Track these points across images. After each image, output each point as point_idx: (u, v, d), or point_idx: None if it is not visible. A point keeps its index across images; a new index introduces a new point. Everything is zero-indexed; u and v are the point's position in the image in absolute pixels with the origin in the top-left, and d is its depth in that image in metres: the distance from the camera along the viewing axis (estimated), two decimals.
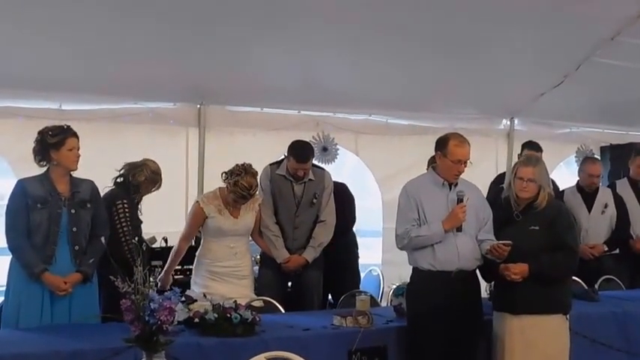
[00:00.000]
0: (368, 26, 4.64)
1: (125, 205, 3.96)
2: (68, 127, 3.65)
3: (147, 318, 2.55)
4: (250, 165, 4.09)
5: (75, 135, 3.60)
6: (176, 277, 4.88)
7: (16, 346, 3.05)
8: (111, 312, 3.08)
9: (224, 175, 4.10)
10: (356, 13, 4.46)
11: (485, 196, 4.22)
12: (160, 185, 4.23)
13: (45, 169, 3.60)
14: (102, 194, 3.86)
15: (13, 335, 3.28)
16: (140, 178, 4.09)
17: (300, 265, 4.33)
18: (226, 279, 4.08)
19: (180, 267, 4.91)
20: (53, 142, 3.53)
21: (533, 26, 4.83)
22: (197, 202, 4.22)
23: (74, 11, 4.10)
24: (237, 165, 4.08)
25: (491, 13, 4.59)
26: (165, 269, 4.20)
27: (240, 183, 4.01)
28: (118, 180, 4.12)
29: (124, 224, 3.92)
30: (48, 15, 4.10)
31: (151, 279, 2.67)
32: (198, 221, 4.19)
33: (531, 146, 5.24)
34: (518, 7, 4.56)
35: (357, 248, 5.08)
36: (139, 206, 4.18)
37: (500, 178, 5.30)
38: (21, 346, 3.04)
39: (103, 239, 3.44)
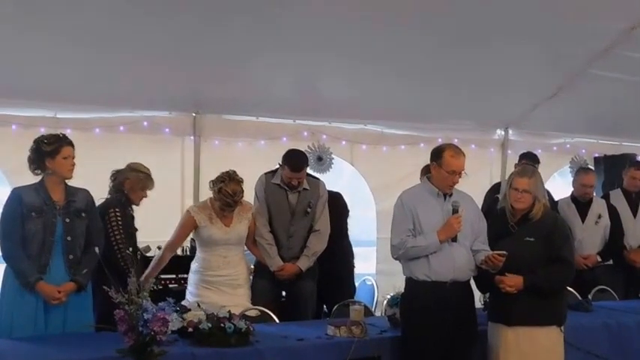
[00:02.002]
0: (363, 38, 4.66)
1: (117, 213, 3.94)
2: (64, 135, 3.65)
3: (140, 328, 2.54)
4: (235, 172, 4.08)
5: (70, 144, 3.59)
6: (170, 286, 4.88)
7: (10, 356, 3.03)
8: (105, 322, 3.07)
9: (210, 183, 4.11)
10: (352, 24, 4.49)
11: (480, 206, 4.24)
12: (149, 184, 4.12)
13: (40, 177, 3.59)
14: (97, 203, 3.85)
15: (6, 345, 3.26)
16: (121, 179, 4.06)
17: (293, 273, 4.32)
18: (220, 288, 4.06)
19: (174, 276, 4.90)
20: (48, 151, 3.52)
21: (527, 38, 4.86)
22: (188, 211, 4.22)
23: (70, 20, 4.11)
24: (221, 173, 4.08)
25: (486, 25, 4.62)
26: (145, 275, 4.12)
27: (224, 190, 4.00)
28: (110, 190, 4.10)
29: (116, 232, 3.90)
30: (43, 24, 4.11)
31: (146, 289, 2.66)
32: (186, 230, 4.20)
33: (529, 158, 5.25)
34: (512, 19, 4.59)
35: (353, 258, 5.07)
36: (132, 209, 4.12)
37: (496, 187, 5.32)
38: (14, 356, 3.03)
39: (97, 249, 3.42)
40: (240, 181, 4.07)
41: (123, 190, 4.05)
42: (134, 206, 4.16)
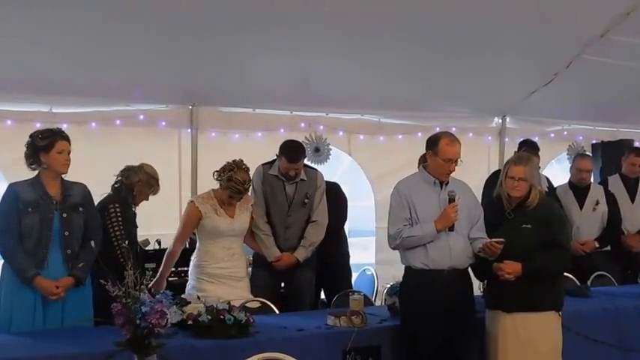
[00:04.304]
0: (360, 27, 4.64)
1: (117, 209, 3.93)
2: (59, 129, 3.64)
3: (138, 321, 2.54)
4: (242, 160, 4.09)
5: (65, 138, 3.58)
6: (170, 279, 4.86)
7: (8, 350, 3.03)
8: (104, 315, 3.07)
9: (216, 173, 4.09)
10: (348, 14, 4.47)
11: (479, 193, 4.24)
12: (156, 190, 4.18)
13: (36, 173, 3.58)
14: (95, 197, 3.84)
15: (5, 340, 3.26)
16: (134, 179, 4.06)
17: (290, 263, 4.32)
18: (223, 281, 4.04)
19: (174, 269, 4.89)
20: (42, 145, 3.51)
21: (523, 24, 4.84)
22: (192, 201, 4.18)
23: (65, 13, 4.09)
24: (228, 162, 4.08)
25: (482, 12, 4.60)
26: (160, 273, 4.14)
27: (234, 178, 4.01)
28: (115, 185, 4.09)
29: (115, 227, 3.89)
30: (38, 18, 4.09)
31: (144, 282, 2.66)
32: (193, 221, 4.14)
33: (529, 145, 5.24)
34: (508, 6, 4.57)
35: (348, 246, 5.10)
36: (134, 208, 4.13)
37: (496, 175, 5.30)
38: (13, 351, 3.02)
39: (93, 243, 3.42)
40: (247, 170, 4.09)
41: (132, 190, 4.05)
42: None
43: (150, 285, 3.33)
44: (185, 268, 4.45)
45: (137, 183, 4.06)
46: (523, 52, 5.27)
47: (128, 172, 4.10)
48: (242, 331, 3.28)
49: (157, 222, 4.66)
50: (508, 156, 5.38)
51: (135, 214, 4.13)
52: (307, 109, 5.83)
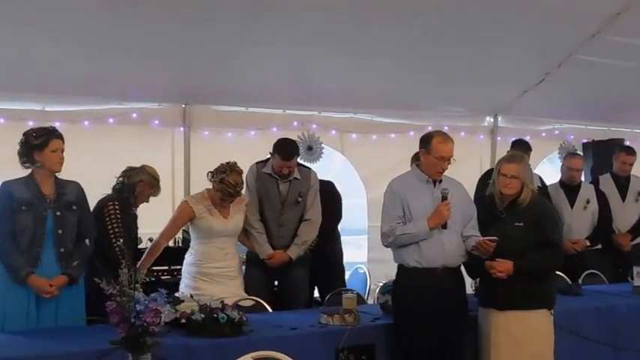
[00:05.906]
0: (353, 26, 4.66)
1: (116, 207, 3.92)
2: (53, 128, 3.63)
3: (133, 320, 2.54)
4: (235, 163, 4.09)
5: (59, 136, 3.57)
6: (163, 277, 4.88)
7: (2, 350, 3.02)
8: (98, 314, 3.07)
9: (209, 174, 4.10)
10: (341, 12, 4.48)
11: (472, 192, 4.26)
12: (157, 191, 4.16)
13: (29, 171, 3.57)
14: (88, 195, 3.82)
15: None
16: (135, 179, 4.04)
17: (283, 261, 4.33)
18: (218, 280, 4.05)
19: (167, 267, 4.90)
20: (36, 144, 3.50)
21: (515, 24, 4.87)
22: (185, 201, 4.19)
23: (58, 11, 4.08)
24: (222, 164, 4.09)
25: (475, 12, 4.62)
26: (140, 264, 4.13)
27: (226, 180, 4.01)
28: (117, 186, 4.07)
29: (114, 224, 3.88)
30: (31, 15, 4.08)
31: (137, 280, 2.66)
32: (183, 220, 4.16)
33: (521, 145, 5.27)
34: (500, 6, 4.60)
35: (341, 245, 5.11)
36: (134, 211, 4.12)
37: (489, 174, 5.33)
38: (6, 350, 3.02)
39: (87, 241, 3.41)
40: (240, 172, 4.08)
41: (134, 190, 4.04)
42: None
43: None
44: (178, 267, 4.45)
45: (139, 183, 4.05)
46: (515, 52, 5.30)
47: (130, 172, 4.09)
48: (235, 330, 3.28)
49: (149, 220, 4.63)
50: (500, 155, 5.41)
51: (136, 216, 4.12)
52: (300, 107, 5.84)
